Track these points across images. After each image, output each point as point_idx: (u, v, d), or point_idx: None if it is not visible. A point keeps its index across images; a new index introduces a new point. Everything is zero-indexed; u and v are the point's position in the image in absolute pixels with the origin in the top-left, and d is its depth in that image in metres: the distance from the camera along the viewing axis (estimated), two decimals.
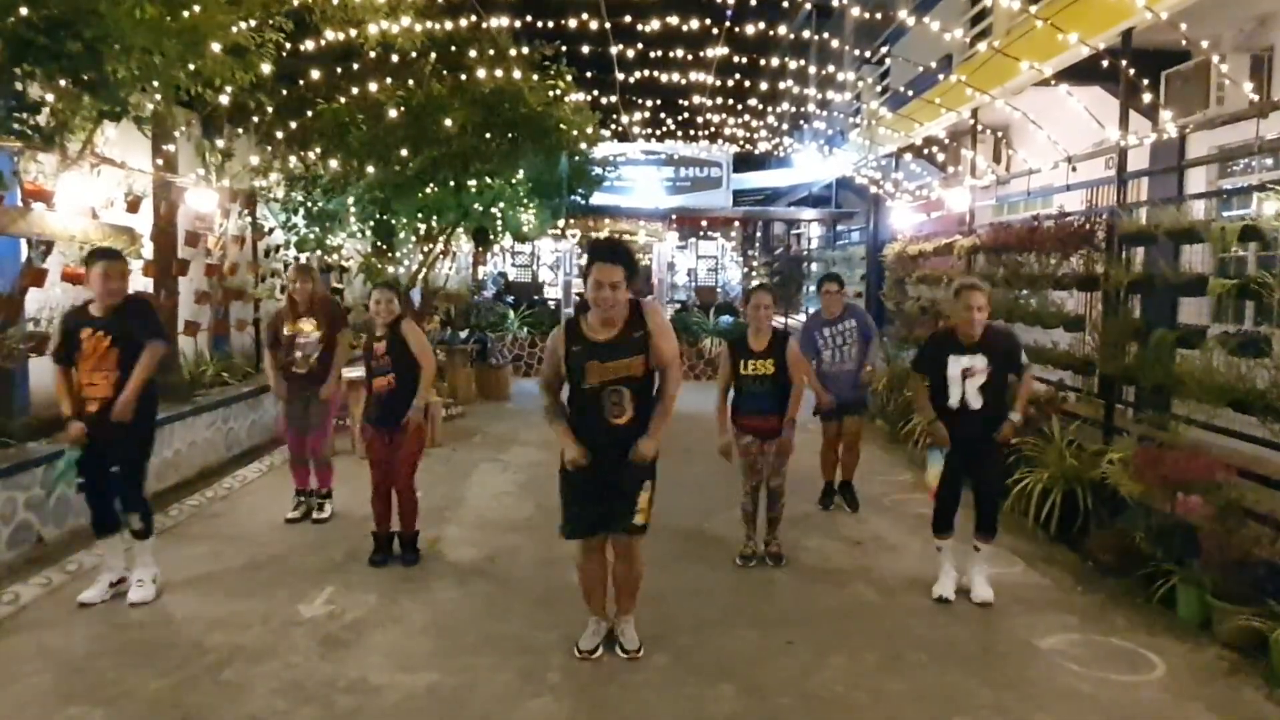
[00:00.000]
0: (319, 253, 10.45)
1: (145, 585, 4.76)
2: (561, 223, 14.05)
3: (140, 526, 4.77)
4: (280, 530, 6.04)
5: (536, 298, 17.00)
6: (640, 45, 9.46)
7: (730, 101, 14.08)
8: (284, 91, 8.39)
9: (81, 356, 4.64)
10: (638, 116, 14.83)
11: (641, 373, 3.95)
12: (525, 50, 10.14)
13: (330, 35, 7.38)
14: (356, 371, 8.72)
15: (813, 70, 15.15)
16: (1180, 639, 4.45)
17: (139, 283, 7.24)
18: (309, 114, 8.83)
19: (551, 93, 10.18)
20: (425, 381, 5.45)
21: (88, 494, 4.76)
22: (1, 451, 5.52)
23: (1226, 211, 6.50)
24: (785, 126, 15.44)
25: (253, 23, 6.39)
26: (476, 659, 4.16)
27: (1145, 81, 6.58)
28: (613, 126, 14.95)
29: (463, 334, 13.49)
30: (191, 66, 5.49)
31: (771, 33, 8.69)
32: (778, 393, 5.44)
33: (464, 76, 9.02)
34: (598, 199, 15.42)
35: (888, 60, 13.04)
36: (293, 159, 9.32)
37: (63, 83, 4.95)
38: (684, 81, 10.80)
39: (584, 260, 4.13)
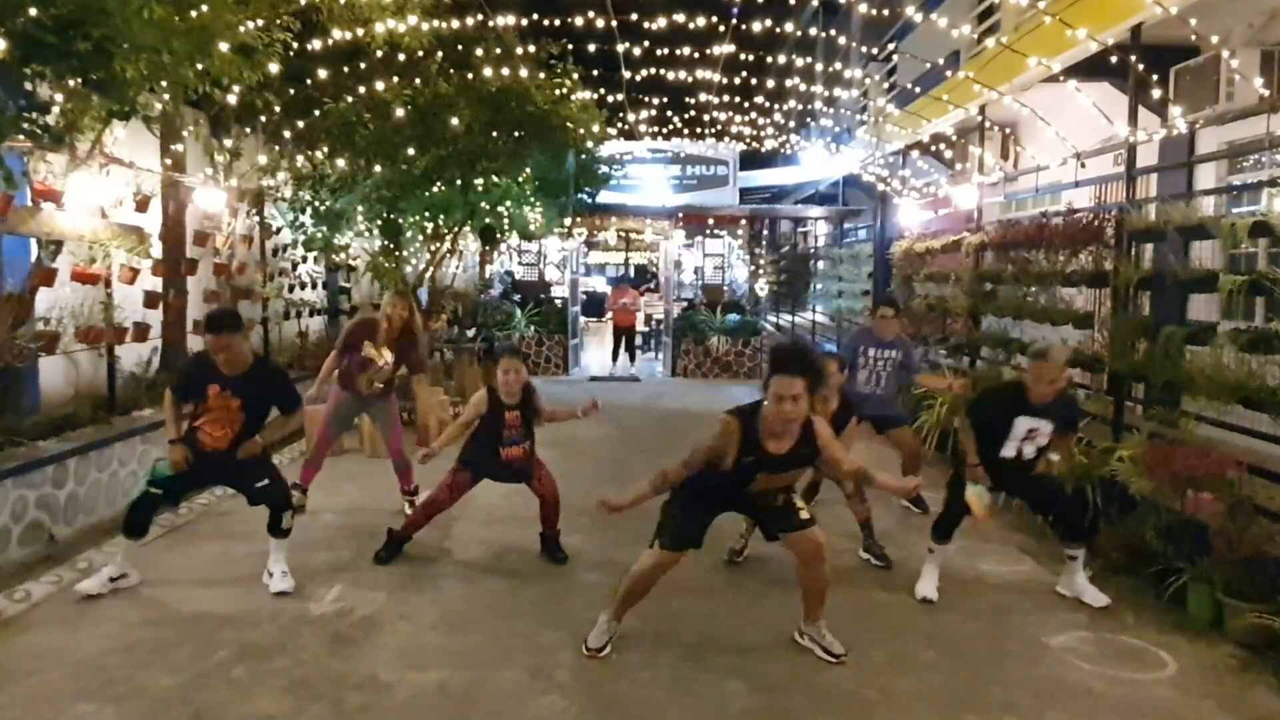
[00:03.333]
0: (326, 251, 10.48)
1: (289, 576, 4.94)
2: (568, 221, 14.06)
3: (289, 527, 5.00)
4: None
5: (543, 296, 17.01)
6: (647, 43, 9.46)
7: (737, 99, 14.07)
8: (291, 91, 8.40)
9: (206, 408, 4.79)
10: (644, 115, 14.84)
11: (797, 479, 4.04)
12: (532, 49, 10.15)
13: (337, 34, 7.39)
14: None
15: (819, 67, 15.13)
16: (1191, 637, 4.43)
17: (148, 281, 7.27)
18: (316, 113, 8.85)
19: (558, 91, 10.17)
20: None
21: (145, 500, 4.82)
22: (12, 450, 5.54)
23: (1236, 207, 6.47)
24: (792, 124, 15.42)
25: (260, 22, 6.41)
26: (485, 656, 4.16)
27: (1154, 77, 6.56)
28: (619, 125, 14.96)
29: (470, 333, 13.51)
30: (200, 66, 5.51)
31: (778, 30, 8.67)
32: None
33: (471, 75, 9.02)
34: (604, 197, 15.43)
35: (895, 57, 13.01)
36: (300, 158, 9.34)
37: (72, 82, 4.96)
38: (690, 79, 10.79)
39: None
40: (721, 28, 8.84)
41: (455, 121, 8.84)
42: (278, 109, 8.45)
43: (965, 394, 7.48)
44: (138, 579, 4.95)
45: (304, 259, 10.72)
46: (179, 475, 4.83)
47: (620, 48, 9.61)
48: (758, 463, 3.88)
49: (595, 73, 11.52)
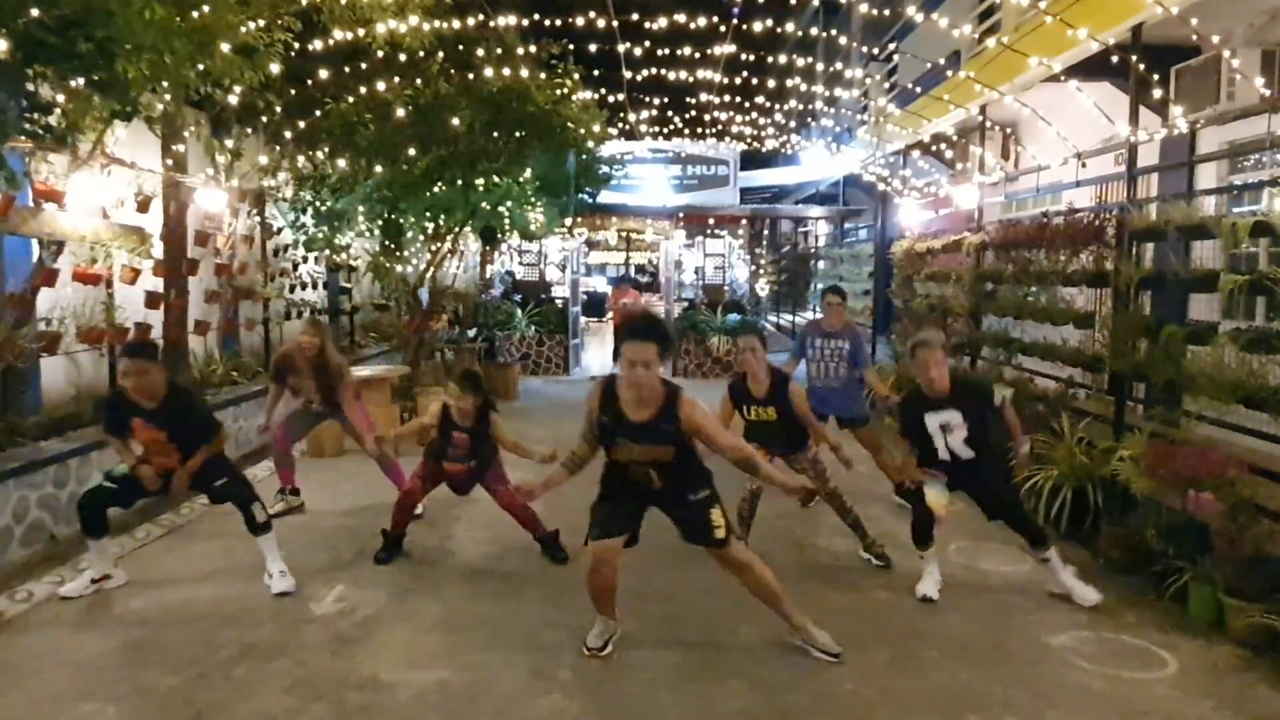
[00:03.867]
0: (327, 252, 10.48)
1: (287, 576, 4.93)
2: (569, 221, 14.06)
3: (264, 519, 4.99)
4: (290, 528, 6.05)
5: (544, 296, 17.01)
6: (648, 43, 9.46)
7: (738, 99, 14.07)
8: (292, 91, 8.41)
9: (137, 440, 4.81)
10: (645, 115, 14.84)
11: (670, 458, 3.96)
12: (533, 49, 10.15)
13: (338, 35, 7.39)
14: (366, 370, 8.75)
15: (820, 67, 15.13)
16: (1192, 636, 4.43)
17: (149, 282, 7.28)
18: (317, 113, 8.85)
19: (559, 91, 10.17)
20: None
21: (93, 497, 4.81)
22: (14, 450, 5.55)
23: (1237, 207, 6.47)
24: (793, 124, 15.42)
25: (261, 22, 6.41)
26: (487, 656, 4.17)
27: (1155, 77, 6.56)
28: (620, 125, 14.96)
29: (470, 333, 13.52)
30: (201, 66, 5.51)
31: (779, 30, 8.67)
32: (785, 435, 5.35)
33: (472, 75, 9.02)
34: (605, 197, 15.42)
35: (895, 57, 13.01)
36: (301, 158, 9.34)
37: (74, 83, 4.96)
38: (691, 79, 10.79)
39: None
40: (722, 28, 8.84)
41: (456, 121, 8.84)
42: (279, 109, 8.45)
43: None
44: (124, 579, 4.96)
45: (305, 259, 10.74)
46: (134, 477, 4.83)
47: (621, 48, 9.61)
48: (616, 426, 3.92)
49: (596, 73, 11.51)
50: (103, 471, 5.00)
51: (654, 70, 10.76)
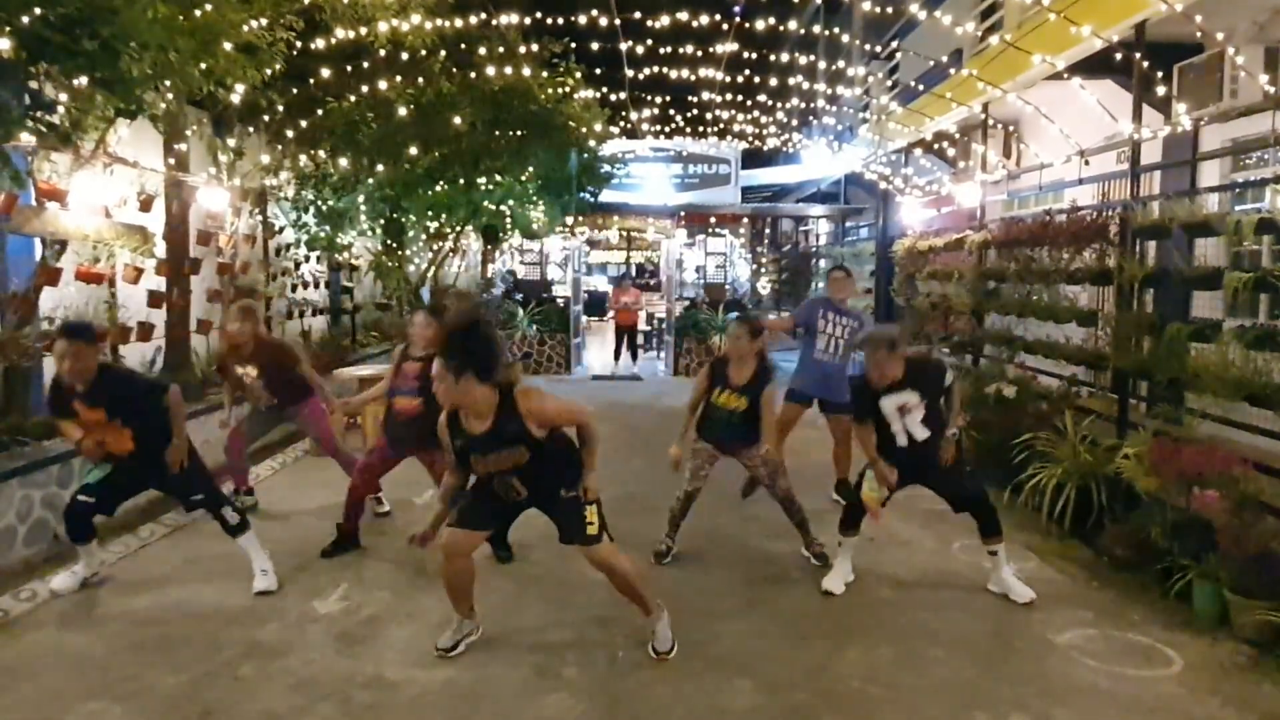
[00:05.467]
0: (329, 251, 10.49)
1: (269, 575, 4.91)
2: (570, 220, 14.06)
3: (235, 522, 4.94)
4: (293, 527, 6.06)
5: (545, 295, 17.01)
6: (649, 42, 9.46)
7: (739, 98, 14.07)
8: (294, 90, 8.41)
9: (81, 421, 4.70)
10: (647, 113, 14.83)
11: (527, 459, 3.86)
12: (535, 47, 10.15)
13: (340, 33, 7.40)
14: (367, 369, 8.76)
15: (822, 65, 15.12)
16: (1197, 634, 4.43)
17: (152, 281, 7.28)
18: (319, 112, 8.85)
19: (561, 90, 10.18)
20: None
21: (77, 506, 4.81)
22: (18, 450, 5.55)
23: (1240, 205, 6.47)
24: (794, 122, 15.42)
25: (264, 21, 6.41)
26: (492, 655, 4.16)
27: (1158, 74, 6.56)
28: (621, 123, 14.95)
29: None
30: (204, 65, 5.52)
31: (780, 28, 8.67)
32: (743, 430, 5.29)
33: (473, 74, 9.03)
34: (606, 196, 15.44)
35: (897, 55, 13.00)
36: (303, 157, 9.35)
37: (78, 81, 4.97)
38: (693, 78, 10.79)
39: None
40: (724, 26, 8.84)
41: (458, 120, 8.85)
42: (281, 108, 8.46)
43: None
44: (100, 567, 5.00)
45: (306, 258, 10.73)
46: (110, 482, 4.81)
47: (623, 46, 9.62)
48: (466, 444, 3.86)
49: (598, 71, 11.52)
50: (80, 483, 4.93)
51: (655, 69, 10.76)
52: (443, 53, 9.00)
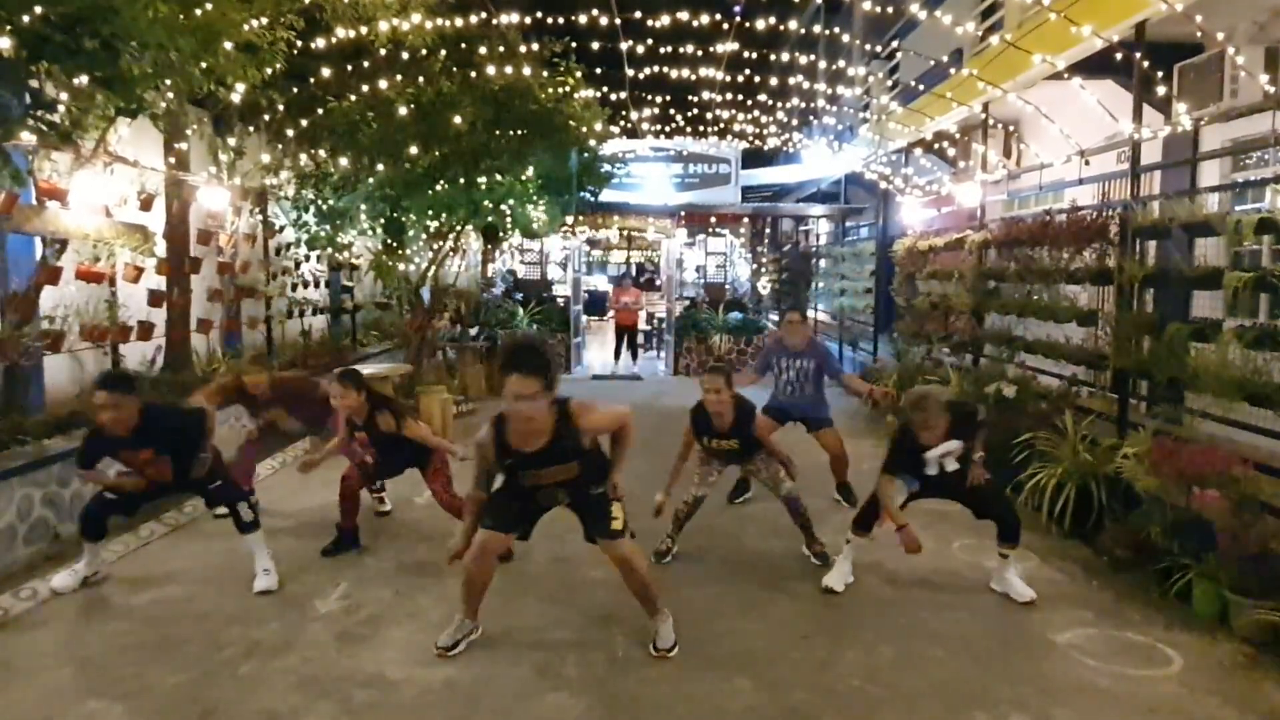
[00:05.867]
0: (329, 250, 10.48)
1: (271, 574, 4.92)
2: (571, 219, 14.06)
3: (249, 519, 4.97)
4: (293, 526, 6.06)
5: (545, 295, 17.02)
6: (650, 41, 9.46)
7: (739, 97, 14.06)
8: (295, 89, 8.41)
9: (132, 465, 4.81)
10: (647, 113, 14.82)
11: (577, 474, 3.96)
12: (535, 47, 10.15)
13: (341, 33, 7.40)
14: (368, 369, 8.74)
15: (822, 65, 15.11)
16: (1197, 634, 4.43)
17: (152, 280, 7.28)
18: (320, 112, 8.85)
19: (561, 89, 10.17)
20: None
21: (98, 507, 4.88)
22: (18, 449, 5.55)
23: (1241, 204, 6.47)
24: (794, 122, 15.41)
25: (264, 20, 6.41)
26: (492, 654, 4.17)
27: (1159, 74, 6.56)
28: (622, 123, 14.95)
29: (472, 331, 13.52)
30: (204, 64, 5.52)
31: (781, 28, 8.67)
32: (743, 455, 5.46)
33: (474, 73, 9.02)
34: (607, 196, 15.41)
35: (898, 54, 12.99)
36: (303, 157, 9.35)
37: (78, 80, 4.97)
38: (693, 77, 10.79)
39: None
40: (724, 26, 8.84)
41: (458, 120, 8.85)
42: (281, 107, 8.46)
43: (887, 400, 7.52)
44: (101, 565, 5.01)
45: (307, 258, 10.74)
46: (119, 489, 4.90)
47: (623, 46, 9.61)
48: (518, 464, 3.90)
49: (598, 71, 11.52)
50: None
51: (656, 68, 10.76)
52: (443, 52, 8.99)
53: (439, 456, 5.60)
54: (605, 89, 12.30)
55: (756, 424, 5.42)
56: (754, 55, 10.80)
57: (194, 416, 5.07)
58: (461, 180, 9.41)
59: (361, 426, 5.37)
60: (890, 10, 8.97)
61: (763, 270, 21.14)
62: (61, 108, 5.37)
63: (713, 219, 18.70)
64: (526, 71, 9.25)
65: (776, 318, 19.21)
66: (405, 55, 8.34)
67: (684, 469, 5.50)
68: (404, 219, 9.84)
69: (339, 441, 5.56)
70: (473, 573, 4.14)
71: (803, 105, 16.28)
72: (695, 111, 15.53)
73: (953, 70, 9.51)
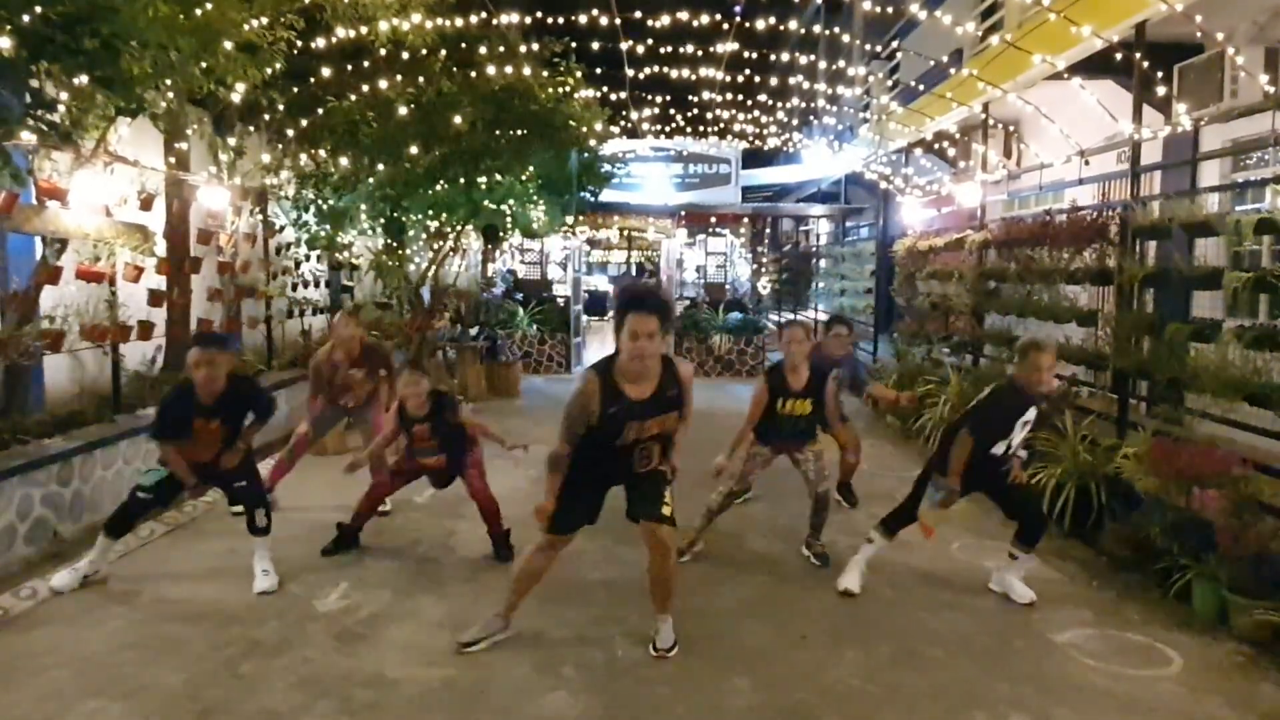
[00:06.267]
0: (329, 250, 10.49)
1: (270, 575, 4.93)
2: (571, 219, 14.05)
3: (264, 524, 5.00)
4: (294, 526, 6.05)
5: (545, 295, 17.00)
6: (650, 41, 9.46)
7: (740, 97, 14.07)
8: (295, 89, 8.41)
9: (192, 440, 4.82)
10: (647, 113, 14.83)
11: (674, 425, 3.99)
12: (535, 47, 10.15)
13: (341, 33, 7.40)
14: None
15: (822, 65, 15.12)
16: (1196, 634, 4.43)
17: (152, 279, 7.27)
18: (320, 111, 8.85)
19: (561, 89, 10.17)
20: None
21: (134, 503, 4.90)
22: (18, 448, 5.55)
23: (1241, 205, 6.47)
24: (794, 122, 15.41)
25: (264, 20, 6.41)
26: (491, 653, 4.17)
27: (1159, 74, 6.56)
28: (622, 123, 14.95)
29: (472, 331, 13.52)
30: (204, 64, 5.52)
31: (781, 28, 8.67)
32: (809, 428, 5.40)
33: (474, 73, 9.03)
34: (607, 196, 15.41)
35: (898, 54, 13.00)
36: (303, 157, 9.35)
37: (78, 80, 4.97)
38: (694, 77, 10.80)
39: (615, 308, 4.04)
40: (725, 26, 8.85)
41: (458, 120, 8.85)
42: (281, 107, 8.46)
43: (912, 407, 7.51)
44: (101, 566, 5.01)
45: (307, 257, 10.73)
46: (168, 480, 4.91)
47: (623, 46, 9.62)
48: (622, 411, 3.84)
49: (598, 71, 11.52)
50: (137, 480, 5.00)
51: (656, 68, 10.77)
52: (443, 52, 8.99)
53: (479, 449, 5.56)
54: (605, 89, 12.30)
55: (829, 392, 5.41)
56: (754, 55, 10.81)
57: (270, 397, 5.13)
58: (461, 180, 9.42)
59: (424, 419, 5.31)
60: (890, 10, 8.98)
61: (763, 270, 21.14)
62: (62, 107, 5.37)
63: (713, 219, 18.71)
64: (527, 71, 9.25)
65: (776, 319, 19.23)
66: (405, 55, 8.34)
67: (745, 438, 5.42)
68: (404, 219, 9.85)
69: (389, 435, 5.45)
70: (532, 566, 4.16)
71: (803, 105, 16.29)
72: (695, 111, 15.54)
73: (953, 70, 9.52)
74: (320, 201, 9.57)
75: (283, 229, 10.08)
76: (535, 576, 4.23)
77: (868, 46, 13.71)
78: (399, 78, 8.64)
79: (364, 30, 7.49)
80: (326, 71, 8.02)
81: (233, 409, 4.86)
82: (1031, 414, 4.74)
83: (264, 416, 5.08)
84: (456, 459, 5.47)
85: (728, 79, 11.54)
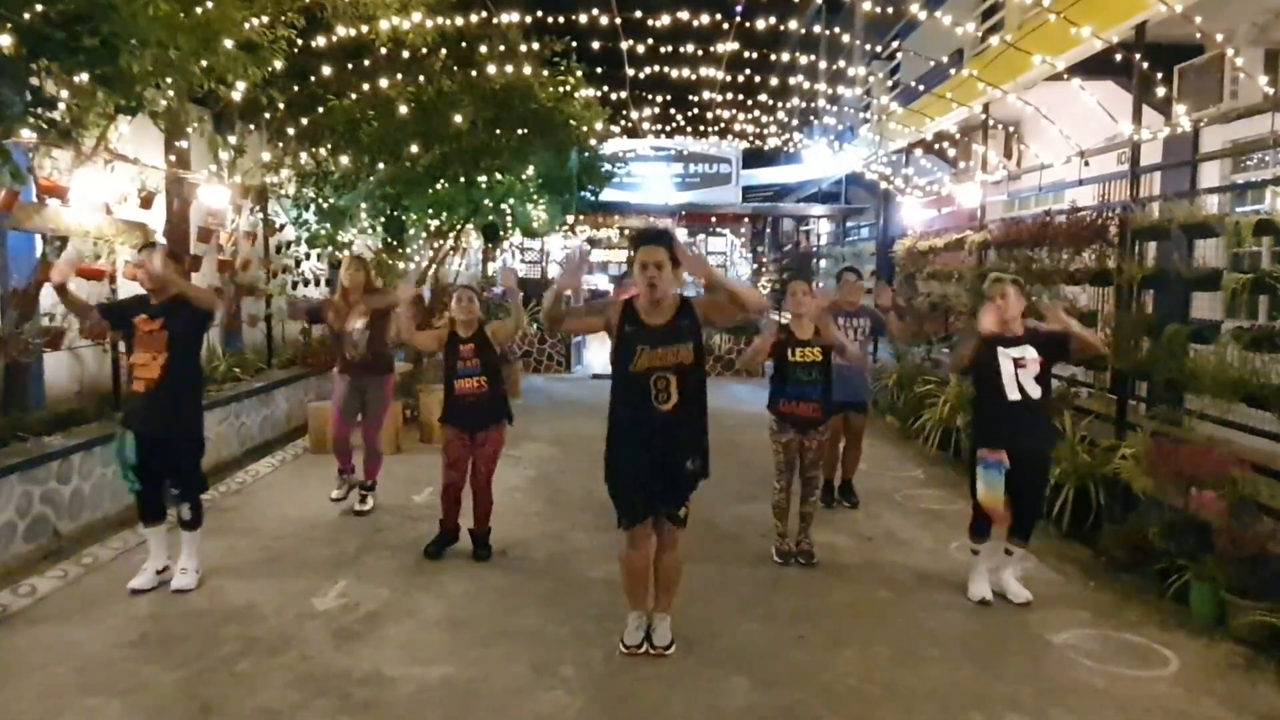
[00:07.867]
0: (329, 249, 10.48)
1: (189, 574, 4.87)
2: (571, 219, 14.05)
3: (190, 517, 4.90)
4: (293, 524, 6.07)
5: (546, 294, 16.98)
6: (651, 41, 9.47)
7: (740, 97, 14.07)
8: (295, 88, 8.41)
9: (137, 341, 4.76)
10: (647, 112, 14.83)
11: (691, 360, 3.99)
12: (536, 46, 10.15)
13: (341, 31, 7.40)
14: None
15: (823, 65, 15.12)
16: (1194, 634, 4.44)
17: None
18: (320, 110, 8.85)
19: (562, 89, 10.18)
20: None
21: (144, 495, 4.86)
22: (17, 446, 5.55)
23: (1240, 206, 6.47)
24: (795, 122, 15.41)
25: (265, 19, 6.42)
26: (489, 651, 4.17)
27: (1159, 75, 6.56)
28: (622, 122, 14.95)
29: None
30: (205, 62, 5.52)
31: (782, 28, 8.67)
32: (825, 380, 5.43)
33: (474, 72, 9.03)
34: (607, 195, 15.43)
35: (898, 55, 13.00)
36: (304, 155, 9.35)
37: (78, 78, 4.97)
38: (694, 77, 10.80)
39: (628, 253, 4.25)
40: (725, 25, 8.85)
41: (459, 119, 8.85)
42: (282, 106, 8.46)
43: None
44: (170, 560, 4.97)
45: (307, 256, 10.73)
46: (140, 442, 4.74)
47: (624, 45, 9.62)
48: (637, 334, 3.98)
49: (599, 70, 11.52)
50: (121, 474, 4.88)
51: (656, 68, 10.77)
52: (444, 51, 8.99)
53: (498, 435, 5.55)
54: (605, 88, 12.30)
55: (827, 326, 5.52)
56: (754, 55, 10.81)
57: (210, 302, 4.99)
58: (462, 179, 9.42)
59: (469, 339, 5.42)
60: (891, 11, 8.98)
61: (763, 270, 21.15)
62: (62, 105, 5.37)
63: (713, 219, 18.72)
64: (527, 71, 9.25)
65: (776, 317, 19.23)
66: (406, 54, 8.34)
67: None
68: (404, 217, 9.85)
69: (420, 324, 5.67)
70: (632, 565, 4.16)
71: (803, 105, 16.29)
72: (696, 111, 15.54)
73: (953, 71, 9.52)
74: (320, 200, 9.58)
75: (283, 227, 10.09)
76: (641, 575, 4.20)
77: (868, 47, 13.72)
78: (399, 76, 8.64)
79: (364, 29, 7.49)
80: (327, 70, 8.02)
81: (176, 313, 4.73)
82: (1023, 351, 4.68)
83: (207, 320, 4.94)
84: (494, 390, 5.49)
85: (728, 79, 11.54)
